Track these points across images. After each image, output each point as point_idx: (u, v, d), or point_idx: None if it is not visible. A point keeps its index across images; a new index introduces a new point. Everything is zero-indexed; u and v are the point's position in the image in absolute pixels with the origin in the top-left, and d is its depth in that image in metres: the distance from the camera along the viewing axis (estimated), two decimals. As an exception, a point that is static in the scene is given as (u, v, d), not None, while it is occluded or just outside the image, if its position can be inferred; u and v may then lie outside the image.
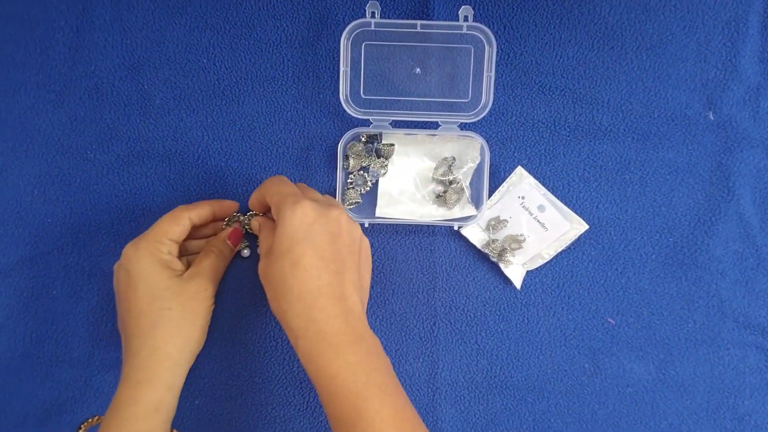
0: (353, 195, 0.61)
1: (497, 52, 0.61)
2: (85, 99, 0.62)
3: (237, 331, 0.62)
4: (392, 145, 0.61)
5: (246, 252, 0.62)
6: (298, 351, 0.50)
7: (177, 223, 0.56)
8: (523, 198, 0.62)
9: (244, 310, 0.62)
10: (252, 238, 0.62)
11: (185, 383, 0.60)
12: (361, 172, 0.62)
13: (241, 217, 0.61)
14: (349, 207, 0.61)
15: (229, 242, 0.59)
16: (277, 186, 0.54)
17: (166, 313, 0.53)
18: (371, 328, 0.62)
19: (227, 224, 0.61)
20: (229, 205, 0.60)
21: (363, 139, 0.62)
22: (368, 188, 0.61)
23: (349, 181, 0.62)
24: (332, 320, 0.49)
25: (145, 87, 0.62)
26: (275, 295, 0.51)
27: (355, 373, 0.48)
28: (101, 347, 0.62)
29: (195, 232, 0.59)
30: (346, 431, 0.47)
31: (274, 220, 0.55)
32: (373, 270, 0.62)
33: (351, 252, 0.53)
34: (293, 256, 0.50)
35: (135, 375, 0.52)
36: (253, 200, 0.58)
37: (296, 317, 0.49)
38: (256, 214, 0.61)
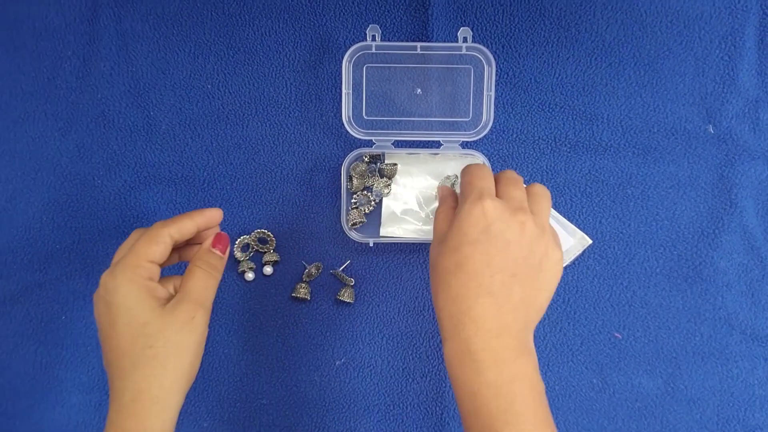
0: (357, 215, 0.62)
1: (497, 70, 0.62)
2: (92, 126, 0.63)
3: (245, 353, 0.62)
4: (395, 164, 0.62)
5: (250, 275, 0.62)
6: (443, 349, 0.48)
7: (155, 242, 0.49)
8: (526, 214, 0.62)
9: (252, 332, 0.62)
10: (257, 260, 0.63)
11: (193, 405, 0.61)
12: (365, 192, 0.62)
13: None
14: (353, 227, 0.62)
15: (215, 251, 0.53)
16: (473, 174, 0.50)
17: (148, 352, 0.47)
18: (377, 347, 0.62)
19: None
20: (213, 214, 0.53)
21: (366, 160, 0.62)
22: (372, 208, 0.62)
23: (353, 201, 0.62)
24: (482, 334, 0.46)
25: (151, 113, 0.64)
26: (436, 288, 0.48)
27: (496, 396, 0.45)
28: (110, 371, 0.62)
29: (183, 254, 0.55)
30: None
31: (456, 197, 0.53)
32: (378, 288, 0.63)
33: (528, 265, 0.48)
34: (460, 256, 0.47)
35: (121, 423, 0.47)
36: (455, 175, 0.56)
37: (448, 318, 0.47)
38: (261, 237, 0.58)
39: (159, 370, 0.47)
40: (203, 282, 0.50)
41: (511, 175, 0.52)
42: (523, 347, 0.47)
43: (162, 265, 0.51)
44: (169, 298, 0.50)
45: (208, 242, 0.53)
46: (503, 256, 0.47)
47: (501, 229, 0.47)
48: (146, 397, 0.47)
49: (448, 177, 0.62)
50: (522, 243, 0.48)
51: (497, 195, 0.50)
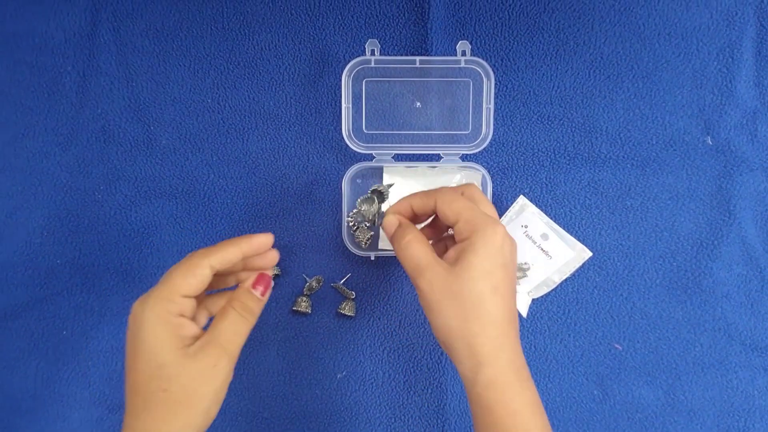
0: (363, 234, 0.62)
1: (496, 84, 0.62)
2: (92, 141, 0.64)
3: (247, 366, 0.62)
4: (391, 184, 0.62)
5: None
6: (477, 378, 0.46)
7: (193, 275, 0.46)
8: (526, 227, 0.62)
9: (253, 346, 0.62)
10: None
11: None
12: (356, 210, 0.62)
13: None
14: (367, 243, 0.62)
15: (254, 292, 0.49)
16: (464, 201, 0.50)
17: (161, 395, 0.44)
18: (378, 360, 0.63)
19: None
20: (262, 241, 0.49)
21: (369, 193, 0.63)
22: (369, 223, 0.62)
23: (349, 220, 0.62)
24: (518, 353, 0.47)
25: (151, 128, 0.64)
26: (464, 315, 0.46)
27: (534, 415, 0.46)
28: (111, 387, 0.62)
29: (220, 281, 0.51)
30: None
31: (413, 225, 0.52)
32: (379, 301, 0.63)
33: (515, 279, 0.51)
34: (495, 280, 0.47)
35: None
36: (405, 206, 0.52)
37: (488, 343, 0.46)
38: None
39: (170, 415, 0.44)
40: (234, 326, 0.47)
41: (483, 194, 0.53)
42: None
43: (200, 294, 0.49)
44: (198, 336, 0.46)
45: (249, 281, 0.49)
46: (513, 278, 0.49)
47: (513, 252, 0.49)
48: None
49: (448, 190, 0.62)
50: (513, 263, 0.50)
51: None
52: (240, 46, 0.64)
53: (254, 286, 0.49)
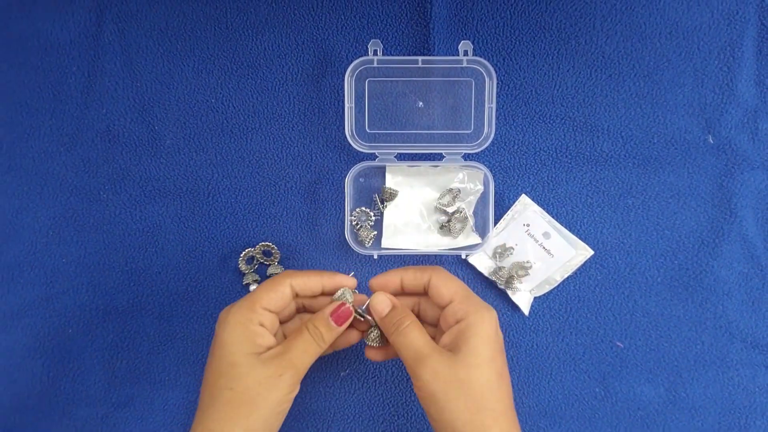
0: (366, 232, 0.62)
1: (498, 83, 0.62)
2: (97, 141, 0.64)
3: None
4: (396, 191, 0.63)
5: (255, 287, 0.62)
6: None
7: (275, 290, 0.49)
8: (528, 225, 0.63)
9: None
10: (262, 272, 0.63)
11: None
12: (360, 209, 0.63)
13: (349, 298, 0.52)
14: (370, 242, 0.62)
15: (331, 320, 0.50)
16: (458, 281, 0.50)
17: (226, 394, 0.46)
18: (382, 363, 0.63)
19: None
20: (344, 281, 0.52)
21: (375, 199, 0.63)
22: (372, 222, 0.63)
23: (352, 220, 0.62)
24: None
25: (156, 128, 0.64)
26: (476, 407, 0.45)
27: None
28: (117, 384, 0.63)
29: (308, 304, 0.54)
30: None
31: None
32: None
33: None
34: (498, 366, 0.46)
35: None
36: (394, 281, 0.52)
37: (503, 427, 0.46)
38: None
39: (232, 414, 0.46)
40: (305, 345, 0.49)
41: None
42: None
43: (284, 319, 0.52)
44: (272, 347, 0.49)
45: (329, 309, 0.50)
46: (504, 359, 0.49)
47: (500, 334, 0.49)
48: None
49: (450, 189, 0.63)
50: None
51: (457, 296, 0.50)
52: (244, 47, 0.64)
53: (332, 314, 0.50)
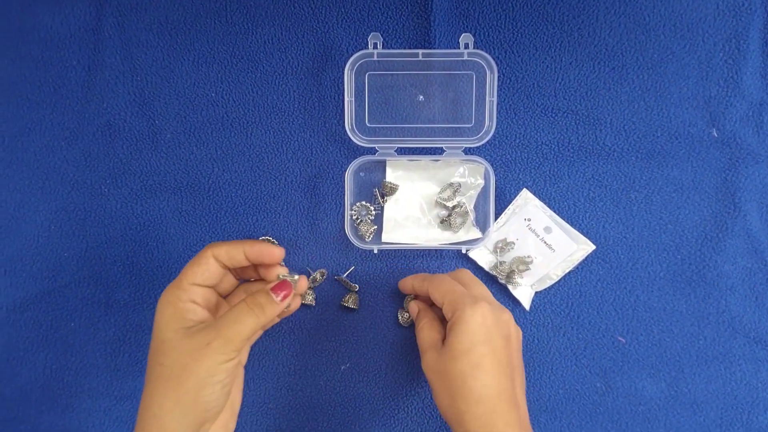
0: (367, 226, 0.62)
1: (499, 76, 0.62)
2: (98, 136, 0.64)
3: (251, 358, 0.63)
4: (397, 185, 0.63)
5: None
6: None
7: (198, 264, 0.49)
8: (529, 220, 0.62)
9: (258, 338, 0.63)
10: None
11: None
12: (360, 203, 0.63)
13: (289, 278, 0.52)
14: (370, 236, 0.62)
15: (272, 294, 0.50)
16: (450, 284, 0.54)
17: (157, 369, 0.47)
18: (381, 352, 0.63)
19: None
20: (266, 249, 0.51)
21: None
22: (373, 216, 0.62)
23: (352, 215, 0.62)
24: (509, 428, 0.48)
25: (156, 122, 0.64)
26: (451, 395, 0.49)
27: None
28: (119, 377, 0.63)
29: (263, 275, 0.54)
30: None
31: (431, 309, 0.57)
32: (382, 294, 0.63)
33: (519, 357, 0.54)
34: (475, 357, 0.49)
35: None
36: (408, 285, 0.59)
37: (475, 420, 0.48)
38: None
39: (162, 389, 0.46)
40: (237, 315, 0.48)
41: (474, 276, 0.57)
42: None
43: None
44: (205, 322, 0.49)
45: (269, 285, 0.51)
46: (506, 353, 0.51)
47: (499, 328, 0.51)
48: (148, 415, 0.47)
49: (451, 184, 0.62)
50: (512, 339, 0.52)
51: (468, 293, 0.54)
52: (243, 40, 0.64)
53: (273, 289, 0.50)
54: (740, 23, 0.62)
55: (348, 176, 0.61)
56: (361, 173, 0.63)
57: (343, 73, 0.60)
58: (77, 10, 0.64)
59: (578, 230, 0.62)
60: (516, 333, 0.54)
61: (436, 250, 0.63)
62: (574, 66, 0.63)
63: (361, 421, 0.63)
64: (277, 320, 0.56)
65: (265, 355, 0.63)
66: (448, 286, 0.54)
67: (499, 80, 0.62)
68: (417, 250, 0.63)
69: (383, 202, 0.63)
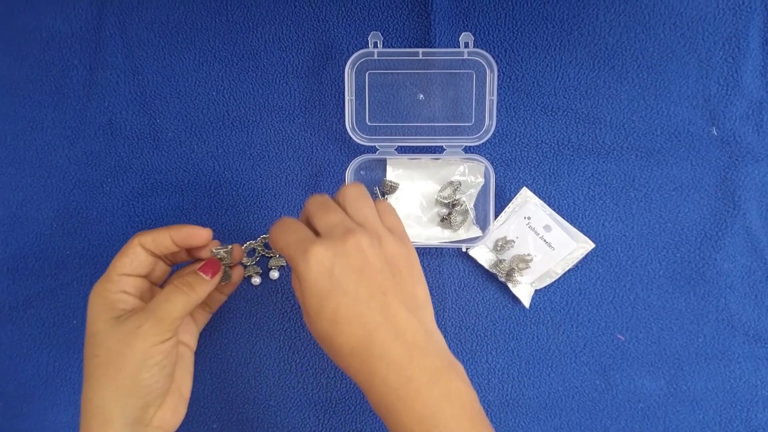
0: None
1: (499, 75, 0.62)
2: (99, 134, 0.64)
3: (253, 355, 0.63)
4: (397, 184, 0.63)
5: (257, 280, 0.63)
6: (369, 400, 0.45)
7: (125, 254, 0.50)
8: (529, 218, 0.63)
9: (259, 335, 0.63)
10: (264, 265, 0.64)
11: (203, 407, 0.62)
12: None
13: (221, 251, 0.53)
14: None
15: (201, 273, 0.51)
16: (283, 236, 0.46)
17: (94, 361, 0.47)
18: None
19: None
20: (191, 232, 0.51)
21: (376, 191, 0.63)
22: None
23: None
24: (394, 367, 0.43)
25: (157, 121, 0.64)
26: (331, 354, 0.45)
27: (429, 428, 0.42)
28: (121, 374, 0.64)
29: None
30: None
31: None
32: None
33: (389, 275, 0.45)
34: (328, 313, 0.43)
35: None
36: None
37: (357, 373, 0.44)
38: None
39: (101, 380, 0.47)
40: (167, 295, 0.49)
41: (355, 190, 0.49)
42: (439, 363, 0.44)
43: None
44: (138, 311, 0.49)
45: (197, 265, 0.52)
46: (365, 284, 0.44)
47: (344, 263, 0.44)
48: (90, 407, 0.47)
49: (451, 182, 0.63)
50: (370, 262, 0.44)
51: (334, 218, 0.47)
52: (244, 39, 0.64)
53: (201, 269, 0.51)
54: (740, 22, 0.62)
55: (348, 175, 0.61)
56: (361, 172, 0.63)
57: (344, 72, 0.60)
58: (78, 9, 0.64)
59: (578, 228, 0.63)
60: (374, 250, 0.45)
61: (436, 248, 0.63)
62: (574, 65, 0.63)
63: (362, 417, 0.63)
64: (224, 297, 0.57)
65: (266, 354, 0.63)
66: (283, 237, 0.46)
67: (499, 79, 0.63)
68: (417, 248, 0.63)
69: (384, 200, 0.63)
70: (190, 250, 0.54)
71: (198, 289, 0.50)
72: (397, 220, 0.50)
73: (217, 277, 0.51)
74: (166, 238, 0.50)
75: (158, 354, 0.47)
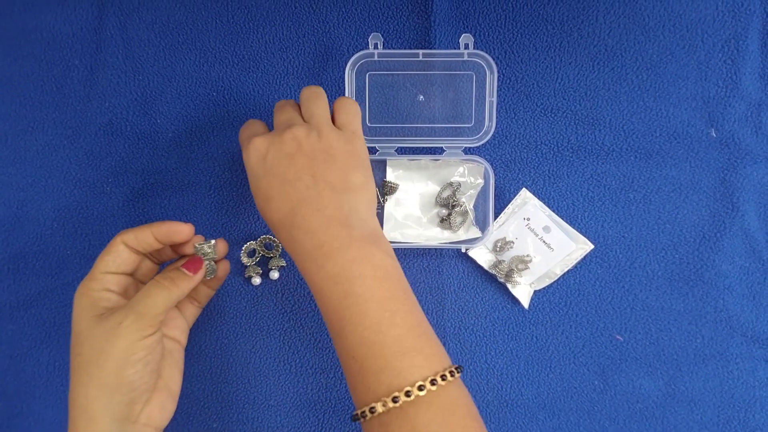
0: None
1: (499, 76, 0.62)
2: (99, 134, 0.64)
3: (253, 355, 0.63)
4: (397, 184, 0.63)
5: (257, 280, 0.63)
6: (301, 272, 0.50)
7: (109, 253, 0.50)
8: (528, 219, 0.63)
9: (259, 335, 0.64)
10: (264, 265, 0.64)
11: (202, 407, 0.62)
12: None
13: (205, 247, 0.54)
14: None
15: (183, 269, 0.51)
16: (242, 131, 0.54)
17: (78, 359, 0.47)
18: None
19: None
20: (173, 228, 0.51)
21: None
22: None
23: None
24: (311, 236, 0.48)
25: (157, 121, 0.64)
26: (272, 229, 0.51)
27: (335, 284, 0.47)
28: (121, 374, 0.64)
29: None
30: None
31: None
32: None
33: (321, 162, 0.50)
34: (262, 192, 0.50)
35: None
36: None
37: (284, 243, 0.50)
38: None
39: (84, 378, 0.47)
40: (148, 291, 0.49)
41: (306, 92, 0.54)
42: (357, 234, 0.48)
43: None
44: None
45: (180, 262, 0.52)
46: (294, 167, 0.49)
47: (277, 150, 0.50)
48: (76, 405, 0.47)
49: (450, 183, 0.63)
50: (302, 147, 0.50)
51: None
52: (245, 40, 0.64)
53: (184, 266, 0.51)
54: (739, 24, 0.63)
55: (348, 175, 0.61)
56: (361, 172, 0.63)
57: (344, 73, 0.60)
58: (79, 9, 0.64)
59: (577, 230, 0.63)
60: (309, 138, 0.50)
61: (435, 249, 0.63)
62: (574, 66, 0.63)
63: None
64: (212, 292, 0.58)
65: (267, 353, 0.64)
66: (242, 133, 0.54)
67: (498, 80, 0.63)
68: (417, 249, 0.64)
69: (384, 201, 0.63)
70: (174, 247, 0.54)
71: (180, 285, 0.50)
72: (351, 117, 0.54)
73: (200, 274, 0.51)
74: (148, 235, 0.51)
75: (141, 350, 0.47)
